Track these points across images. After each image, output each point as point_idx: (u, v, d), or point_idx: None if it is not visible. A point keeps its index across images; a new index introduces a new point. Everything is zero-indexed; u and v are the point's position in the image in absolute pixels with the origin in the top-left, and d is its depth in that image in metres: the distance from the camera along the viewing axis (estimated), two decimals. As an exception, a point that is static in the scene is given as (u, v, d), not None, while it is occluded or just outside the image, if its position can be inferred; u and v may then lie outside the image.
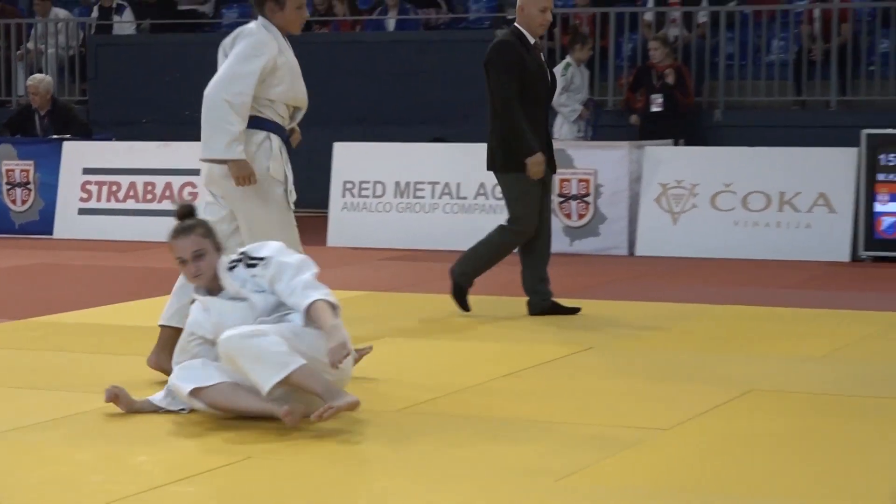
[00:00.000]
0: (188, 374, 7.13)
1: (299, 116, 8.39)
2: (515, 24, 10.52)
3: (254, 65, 8.07)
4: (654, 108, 16.93)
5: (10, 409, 7.49)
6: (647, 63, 17.41)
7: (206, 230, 7.31)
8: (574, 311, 10.58)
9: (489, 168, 10.71)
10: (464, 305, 10.59)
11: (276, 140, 8.21)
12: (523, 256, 10.61)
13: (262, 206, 8.18)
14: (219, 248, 7.30)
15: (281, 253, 7.24)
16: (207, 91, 8.15)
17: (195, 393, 7.03)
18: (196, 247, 7.18)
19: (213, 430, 6.91)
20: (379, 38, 19.79)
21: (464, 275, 10.61)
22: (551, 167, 10.70)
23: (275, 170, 8.16)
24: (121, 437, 6.86)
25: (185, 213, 7.37)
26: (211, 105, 8.10)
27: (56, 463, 6.39)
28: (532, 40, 10.47)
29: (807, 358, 9.07)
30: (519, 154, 10.28)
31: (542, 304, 10.57)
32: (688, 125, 17.06)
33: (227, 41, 8.36)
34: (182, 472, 6.17)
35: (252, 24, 8.32)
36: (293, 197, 8.27)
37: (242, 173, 8.01)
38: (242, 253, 7.28)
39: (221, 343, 6.97)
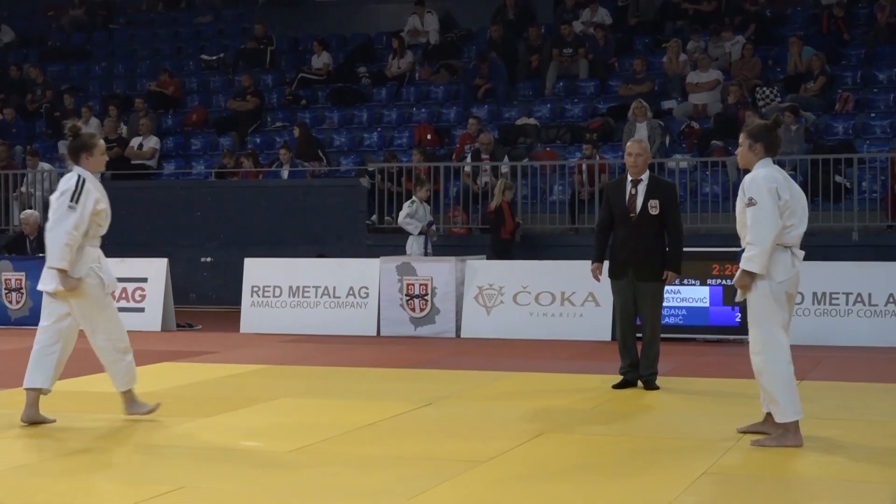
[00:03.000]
0: None
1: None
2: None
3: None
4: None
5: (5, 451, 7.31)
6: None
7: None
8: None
9: None
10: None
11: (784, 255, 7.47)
12: None
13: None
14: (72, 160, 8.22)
15: (60, 198, 8.03)
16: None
17: None
18: None
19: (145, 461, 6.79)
20: (276, 184, 19.74)
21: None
22: (639, 276, 9.87)
23: (780, 273, 7.42)
24: (73, 468, 6.72)
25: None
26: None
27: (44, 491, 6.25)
28: (630, 178, 9.96)
29: (579, 409, 9.13)
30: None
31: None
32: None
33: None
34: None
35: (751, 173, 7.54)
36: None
37: (744, 283, 7.45)
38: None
39: None
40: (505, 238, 16.82)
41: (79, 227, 8.07)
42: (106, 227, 8.40)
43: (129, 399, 8.42)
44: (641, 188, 9.92)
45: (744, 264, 7.43)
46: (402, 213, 16.70)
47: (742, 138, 7.66)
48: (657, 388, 9.96)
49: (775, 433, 7.46)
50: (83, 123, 22.34)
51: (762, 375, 7.43)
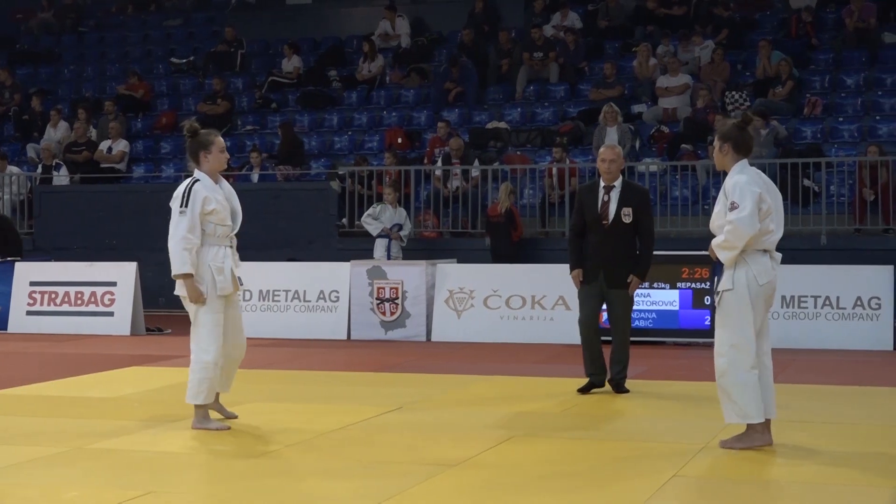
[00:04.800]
0: None
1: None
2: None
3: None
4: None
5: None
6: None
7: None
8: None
9: None
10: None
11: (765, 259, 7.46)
12: None
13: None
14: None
15: (173, 207, 8.10)
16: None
17: None
18: None
19: (124, 466, 6.76)
20: (246, 188, 19.60)
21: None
22: (609, 282, 9.84)
23: (762, 276, 7.39)
24: (40, 473, 6.68)
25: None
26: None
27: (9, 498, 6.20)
28: (603, 183, 9.86)
29: (548, 413, 9.13)
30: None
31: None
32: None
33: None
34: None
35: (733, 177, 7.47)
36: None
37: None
38: None
39: None
40: (516, 241, 16.86)
41: (193, 231, 8.07)
42: (232, 225, 8.35)
43: (199, 414, 8.25)
44: (615, 195, 9.85)
45: (714, 245, 7.42)
46: (365, 213, 16.89)
47: (715, 140, 7.72)
48: (627, 391, 9.97)
49: (742, 434, 7.48)
50: (52, 126, 22.30)
51: (724, 377, 7.42)
